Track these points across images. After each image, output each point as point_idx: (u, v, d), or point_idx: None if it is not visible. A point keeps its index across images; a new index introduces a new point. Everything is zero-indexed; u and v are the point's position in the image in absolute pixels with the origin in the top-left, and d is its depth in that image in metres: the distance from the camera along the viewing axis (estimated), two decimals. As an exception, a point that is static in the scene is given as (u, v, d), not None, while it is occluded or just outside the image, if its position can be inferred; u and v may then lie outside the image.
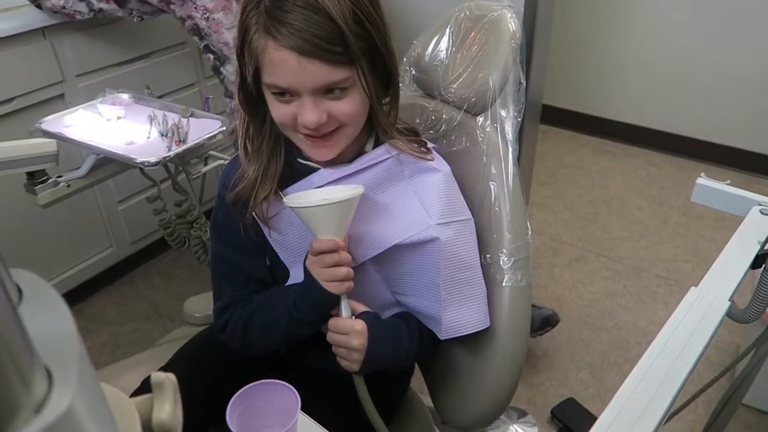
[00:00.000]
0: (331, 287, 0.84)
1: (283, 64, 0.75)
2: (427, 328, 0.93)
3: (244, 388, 0.69)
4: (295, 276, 0.93)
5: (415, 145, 0.92)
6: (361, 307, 0.89)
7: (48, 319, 0.27)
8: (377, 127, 0.90)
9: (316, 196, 0.83)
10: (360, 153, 0.91)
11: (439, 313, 0.89)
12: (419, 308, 0.93)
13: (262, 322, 0.93)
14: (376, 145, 0.92)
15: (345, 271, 0.83)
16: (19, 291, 0.28)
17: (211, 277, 1.00)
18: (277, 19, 0.73)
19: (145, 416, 0.38)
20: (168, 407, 0.38)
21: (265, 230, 0.92)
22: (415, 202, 0.89)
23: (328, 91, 0.78)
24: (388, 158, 0.90)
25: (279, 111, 0.81)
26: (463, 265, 0.90)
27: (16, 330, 0.24)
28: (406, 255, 0.88)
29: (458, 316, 0.90)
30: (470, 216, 0.93)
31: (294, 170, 0.91)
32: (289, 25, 0.72)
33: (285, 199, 0.83)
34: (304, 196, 0.85)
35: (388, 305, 0.96)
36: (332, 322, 0.86)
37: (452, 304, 0.89)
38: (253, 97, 0.84)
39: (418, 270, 0.90)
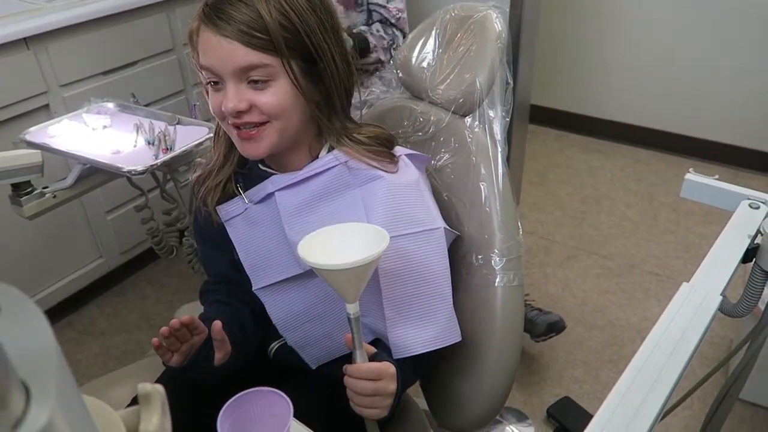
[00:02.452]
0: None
1: (207, 43, 0.81)
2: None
3: (234, 397, 0.68)
4: (257, 282, 0.93)
5: (372, 154, 0.88)
6: (371, 348, 0.81)
7: (26, 334, 0.26)
8: (325, 133, 0.90)
9: (327, 240, 0.75)
10: (313, 160, 0.91)
11: (385, 332, 0.86)
12: (373, 328, 0.90)
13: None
14: (330, 152, 0.91)
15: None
16: (-3, 305, 0.28)
17: None
18: (210, 6, 0.80)
19: (132, 429, 0.37)
20: (156, 419, 0.37)
21: (229, 229, 0.94)
22: (361, 213, 0.86)
23: (252, 80, 0.81)
24: (336, 165, 0.88)
25: (211, 100, 0.85)
26: (411, 280, 0.85)
27: (-8, 345, 0.23)
28: None
29: (410, 334, 0.85)
30: (435, 225, 0.88)
31: (253, 174, 0.94)
32: (217, 9, 0.79)
33: (301, 253, 0.72)
34: (317, 241, 0.75)
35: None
36: (358, 369, 0.76)
37: (400, 322, 0.85)
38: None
39: (368, 287, 0.83)
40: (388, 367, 0.78)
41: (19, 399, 0.23)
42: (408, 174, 0.90)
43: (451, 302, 0.88)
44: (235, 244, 0.94)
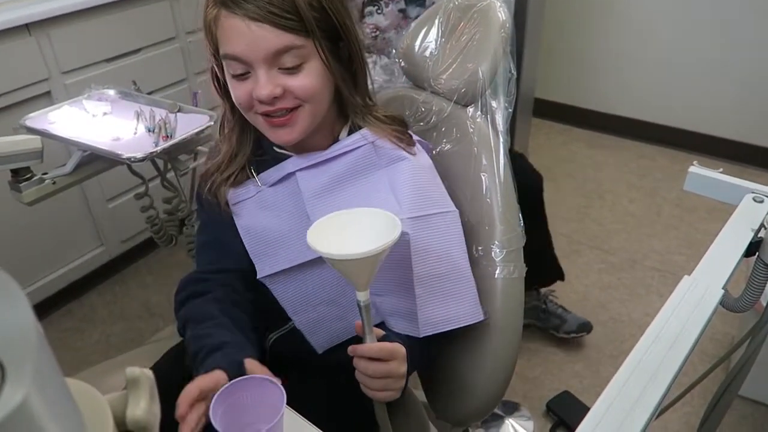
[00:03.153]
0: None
1: (233, 30, 0.76)
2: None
3: (227, 384, 0.67)
4: (262, 269, 0.90)
5: (396, 135, 0.90)
6: (379, 331, 0.80)
7: (5, 313, 0.25)
8: (350, 112, 0.89)
9: (337, 226, 0.73)
10: (334, 141, 0.90)
11: (414, 310, 0.86)
12: (395, 308, 0.89)
13: (190, 336, 0.85)
14: (352, 132, 0.90)
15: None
16: (-23, 283, 0.27)
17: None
18: None
19: (120, 413, 0.36)
20: (143, 403, 0.36)
21: (235, 215, 0.91)
22: (388, 193, 0.86)
23: (283, 67, 0.78)
24: (363, 145, 0.88)
25: (237, 91, 0.82)
26: (440, 259, 0.86)
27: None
28: None
29: (438, 312, 0.86)
30: (452, 208, 0.90)
31: (268, 159, 0.91)
32: None
33: (311, 241, 0.69)
34: (326, 227, 0.73)
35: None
36: (370, 348, 0.74)
37: (430, 299, 0.86)
38: (221, 82, 0.85)
39: (391, 266, 0.86)
40: (399, 348, 0.76)
41: (-7, 378, 0.22)
42: (424, 157, 0.92)
43: (474, 282, 0.90)
44: (240, 230, 0.91)
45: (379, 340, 0.77)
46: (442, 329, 0.86)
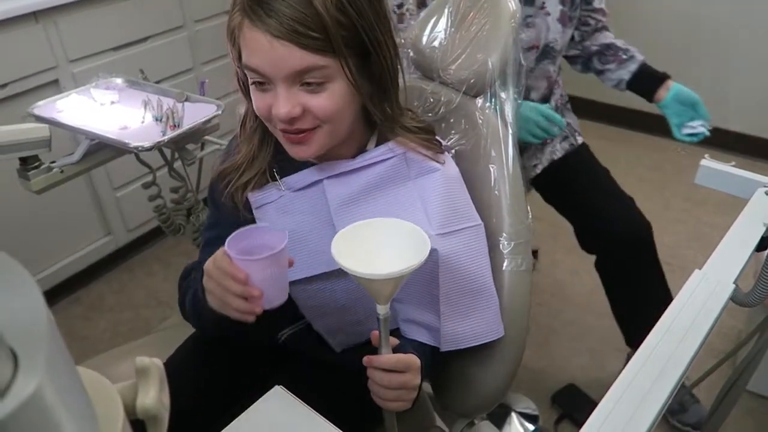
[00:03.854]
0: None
1: (255, 44, 0.72)
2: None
3: (236, 231, 0.74)
4: None
5: (425, 145, 0.86)
6: (394, 340, 0.79)
7: (17, 302, 0.25)
8: (379, 123, 0.85)
9: (364, 237, 0.71)
10: (362, 149, 0.87)
11: (437, 325, 0.86)
12: (416, 318, 0.89)
13: (190, 300, 0.87)
14: (380, 142, 0.87)
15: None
16: (-12, 271, 0.27)
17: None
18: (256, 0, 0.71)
19: (130, 402, 0.36)
20: (153, 393, 0.36)
21: (256, 219, 0.88)
22: (418, 207, 0.84)
23: (306, 83, 0.74)
24: (391, 157, 0.85)
25: (257, 101, 0.78)
26: (466, 275, 0.85)
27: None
28: None
29: (461, 328, 0.86)
30: (477, 221, 0.88)
31: (292, 163, 0.87)
32: (265, 5, 0.70)
33: (336, 255, 0.67)
34: (352, 238, 0.71)
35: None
36: (388, 359, 0.74)
37: (453, 316, 0.85)
38: (245, 83, 0.81)
39: (415, 279, 0.84)
40: (415, 360, 0.76)
41: (6, 367, 0.22)
42: (452, 165, 0.89)
43: (497, 297, 0.89)
44: None
45: (394, 350, 0.76)
46: (464, 346, 0.86)
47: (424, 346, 0.88)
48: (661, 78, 1.50)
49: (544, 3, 1.39)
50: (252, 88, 0.78)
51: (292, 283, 0.87)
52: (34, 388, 0.22)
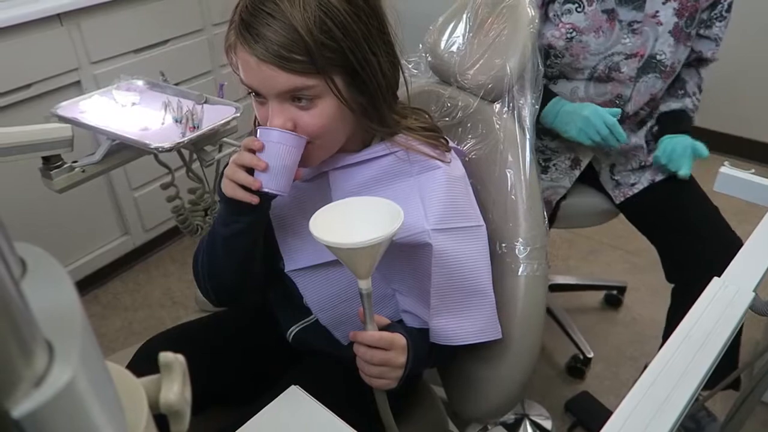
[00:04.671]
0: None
1: (246, 64, 0.76)
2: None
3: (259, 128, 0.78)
4: (290, 263, 0.91)
5: (430, 144, 0.88)
6: (384, 320, 0.82)
7: (51, 293, 0.26)
8: (377, 132, 0.87)
9: (340, 214, 0.74)
10: (367, 144, 0.89)
11: (427, 317, 0.87)
12: (414, 310, 0.91)
13: (206, 245, 0.91)
14: (385, 138, 0.89)
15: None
16: (24, 265, 0.28)
17: None
18: (246, 23, 0.74)
19: (153, 397, 0.37)
20: (176, 388, 0.37)
21: (270, 210, 0.90)
22: (417, 202, 0.85)
23: (297, 98, 0.77)
24: (395, 152, 0.87)
25: (257, 111, 0.82)
26: (461, 273, 0.86)
27: (18, 303, 0.23)
28: (402, 254, 0.86)
29: (450, 325, 0.87)
30: (480, 223, 0.89)
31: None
32: (253, 29, 0.73)
33: (313, 229, 0.70)
34: (331, 216, 0.74)
35: (384, 298, 0.93)
36: (371, 336, 0.77)
37: (443, 312, 0.86)
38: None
39: (413, 271, 0.87)
40: (399, 339, 0.79)
41: (42, 357, 0.23)
42: (458, 166, 0.90)
43: (494, 300, 0.89)
44: (273, 222, 0.92)
45: (382, 329, 0.79)
46: (453, 343, 0.87)
47: (411, 329, 0.89)
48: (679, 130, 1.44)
49: (657, 12, 1.30)
50: (253, 100, 0.82)
51: (297, 271, 0.91)
52: (69, 378, 0.22)
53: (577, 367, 1.75)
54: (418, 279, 0.87)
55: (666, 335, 1.54)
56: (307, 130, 0.78)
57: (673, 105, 1.45)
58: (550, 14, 1.35)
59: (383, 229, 0.67)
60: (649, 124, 1.50)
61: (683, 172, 1.40)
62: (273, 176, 0.77)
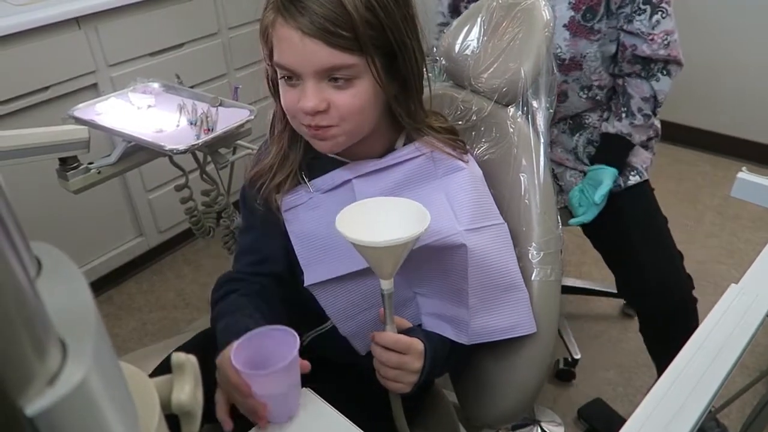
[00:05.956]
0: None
1: (287, 41, 0.75)
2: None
3: (244, 336, 0.71)
4: (310, 277, 0.89)
5: (451, 144, 0.89)
6: (405, 323, 0.82)
7: (66, 293, 0.26)
8: (404, 123, 0.87)
9: (365, 214, 0.74)
10: (390, 149, 0.89)
11: (465, 318, 0.87)
12: (442, 311, 0.90)
13: (221, 327, 0.87)
14: (407, 142, 0.89)
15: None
16: (39, 264, 0.28)
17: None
18: None
19: (165, 397, 0.37)
20: (188, 388, 0.37)
21: (287, 221, 0.89)
22: (445, 204, 0.85)
23: (333, 79, 0.76)
24: (419, 156, 0.87)
25: (285, 96, 0.80)
26: (494, 270, 0.86)
27: (33, 301, 0.23)
28: (432, 257, 0.85)
29: (492, 321, 0.87)
30: (502, 220, 0.90)
31: (322, 162, 0.89)
32: (298, 3, 0.73)
33: (339, 227, 0.70)
34: (356, 214, 0.74)
35: (405, 302, 0.92)
36: (389, 338, 0.77)
37: (482, 310, 0.87)
38: (275, 82, 0.84)
39: (444, 274, 0.87)
40: (417, 344, 0.78)
41: (56, 355, 0.23)
42: (476, 166, 0.91)
43: (527, 293, 0.90)
44: (292, 237, 0.90)
45: (402, 332, 0.79)
46: (496, 338, 0.87)
47: (432, 335, 0.88)
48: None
49: (553, 6, 1.25)
50: (281, 83, 0.81)
51: (318, 284, 0.89)
52: (82, 376, 0.22)
53: (564, 369, 1.75)
54: (450, 281, 0.87)
55: (653, 354, 1.54)
56: (342, 110, 0.78)
57: (609, 128, 1.39)
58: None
59: (411, 230, 0.68)
60: (579, 134, 1.47)
61: (575, 221, 1.39)
62: (276, 411, 0.71)
